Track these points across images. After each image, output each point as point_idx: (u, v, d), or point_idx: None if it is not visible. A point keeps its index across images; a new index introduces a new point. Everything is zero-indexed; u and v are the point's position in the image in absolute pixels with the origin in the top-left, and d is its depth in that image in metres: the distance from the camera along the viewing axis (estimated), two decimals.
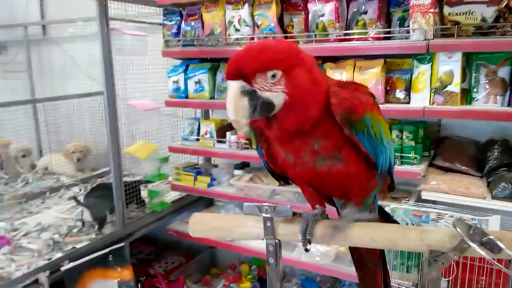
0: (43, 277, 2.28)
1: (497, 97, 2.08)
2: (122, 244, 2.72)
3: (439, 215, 1.95)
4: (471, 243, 0.78)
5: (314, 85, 0.95)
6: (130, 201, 2.91)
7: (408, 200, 2.32)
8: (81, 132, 4.31)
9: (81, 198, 2.93)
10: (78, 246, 2.56)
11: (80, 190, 3.60)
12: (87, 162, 4.14)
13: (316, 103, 0.95)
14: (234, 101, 0.90)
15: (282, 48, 0.93)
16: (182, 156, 3.49)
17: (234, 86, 0.90)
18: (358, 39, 2.32)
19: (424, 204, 2.15)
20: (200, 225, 1.10)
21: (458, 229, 0.80)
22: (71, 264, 2.38)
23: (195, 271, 3.47)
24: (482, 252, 0.78)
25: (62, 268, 2.33)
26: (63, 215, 3.05)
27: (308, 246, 1.02)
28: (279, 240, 0.98)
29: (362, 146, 1.01)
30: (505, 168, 2.17)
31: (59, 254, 2.45)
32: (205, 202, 3.57)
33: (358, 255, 1.34)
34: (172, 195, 3.31)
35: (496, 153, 2.23)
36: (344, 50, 2.29)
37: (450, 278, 1.89)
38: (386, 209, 2.10)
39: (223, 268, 3.51)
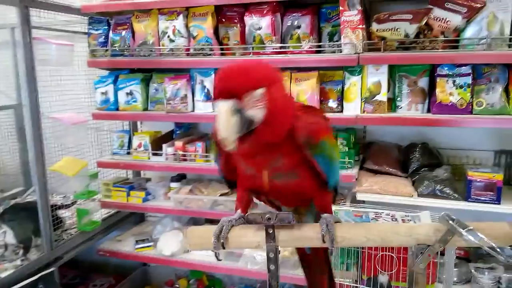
0: None
1: (418, 105, 2.33)
2: (51, 269, 2.51)
3: (377, 214, 2.11)
4: (464, 232, 0.88)
5: (287, 101, 1.06)
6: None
7: (345, 202, 2.48)
8: None
9: None
10: (3, 275, 2.31)
11: None
12: None
13: (288, 117, 1.05)
14: (226, 119, 0.95)
15: (264, 67, 1.03)
16: (107, 172, 3.32)
17: (226, 106, 0.95)
18: (293, 52, 2.44)
19: (362, 205, 2.32)
20: (199, 238, 1.07)
21: (451, 222, 0.89)
22: None
23: None
24: (472, 239, 0.89)
25: None
26: None
27: (219, 256, 1.13)
28: (278, 247, 1.00)
29: (318, 166, 1.11)
30: (426, 168, 2.42)
31: None
32: (136, 219, 3.44)
33: (307, 262, 1.47)
34: (100, 213, 3.13)
35: (417, 155, 2.48)
36: (282, 62, 2.39)
37: (393, 271, 2.05)
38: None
39: (157, 285, 3.40)
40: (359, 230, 1.00)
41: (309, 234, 1.01)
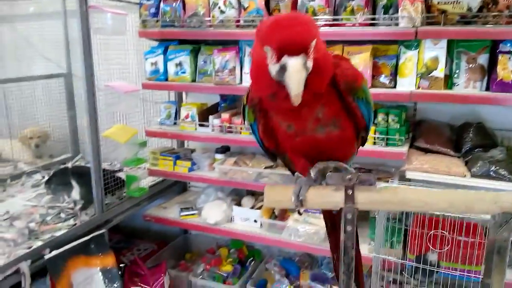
0: (24, 266, 2.15)
1: (476, 82, 2.25)
2: (102, 231, 2.62)
3: None
4: None
5: (326, 49, 1.05)
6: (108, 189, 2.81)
7: (393, 180, 2.45)
8: (35, 116, 4.04)
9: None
10: (57, 234, 2.43)
11: (43, 177, 3.40)
12: (45, 148, 3.92)
13: (331, 64, 1.05)
14: (299, 77, 0.92)
15: (309, 17, 1.02)
16: (152, 142, 3.40)
17: (299, 63, 0.92)
18: (345, 25, 2.38)
19: (410, 183, 2.28)
20: (277, 196, 1.09)
21: None
22: (54, 252, 2.26)
23: (170, 257, 3.42)
24: None
25: (46, 257, 2.21)
26: (31, 203, 2.88)
27: (301, 209, 1.11)
28: (357, 209, 1.00)
29: (359, 112, 1.11)
30: (480, 149, 2.35)
31: (38, 243, 2.32)
32: (179, 188, 3.53)
33: (332, 221, 1.42)
34: (146, 181, 3.23)
35: (471, 135, 2.41)
36: (335, 35, 2.35)
37: (443, 250, 2.03)
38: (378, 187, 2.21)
39: (198, 253, 3.49)
40: (443, 196, 0.99)
41: (388, 197, 1.00)
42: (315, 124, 1.08)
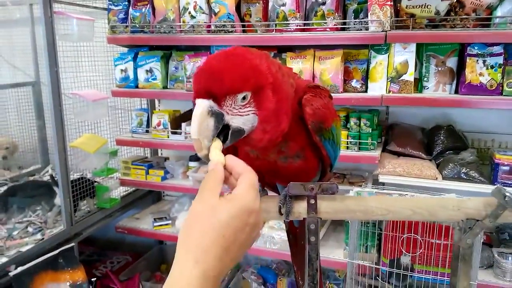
0: None
1: (446, 85, 2.27)
2: (71, 244, 2.53)
3: (401, 195, 2.07)
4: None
5: (285, 100, 0.93)
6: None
7: (366, 184, 2.44)
8: (3, 126, 3.91)
9: None
10: (24, 249, 2.34)
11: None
12: (13, 159, 3.78)
13: (287, 116, 0.94)
14: (199, 120, 0.83)
15: (252, 66, 0.86)
16: (124, 150, 3.32)
17: (202, 105, 0.83)
18: (316, 30, 2.38)
19: (384, 186, 2.28)
20: None
21: (508, 194, 0.86)
22: (20, 269, 2.16)
23: (145, 269, 3.34)
24: None
25: (11, 273, 2.11)
26: None
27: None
28: (320, 218, 0.97)
29: (325, 151, 1.07)
30: (451, 151, 2.37)
31: (3, 259, 2.22)
32: (153, 197, 3.45)
33: (293, 233, 1.42)
34: (118, 191, 3.14)
35: (442, 137, 2.43)
36: (305, 40, 2.34)
37: (416, 254, 2.02)
38: (350, 193, 2.20)
39: None
40: (406, 203, 0.97)
41: (351, 206, 0.97)
42: (278, 154, 1.04)
